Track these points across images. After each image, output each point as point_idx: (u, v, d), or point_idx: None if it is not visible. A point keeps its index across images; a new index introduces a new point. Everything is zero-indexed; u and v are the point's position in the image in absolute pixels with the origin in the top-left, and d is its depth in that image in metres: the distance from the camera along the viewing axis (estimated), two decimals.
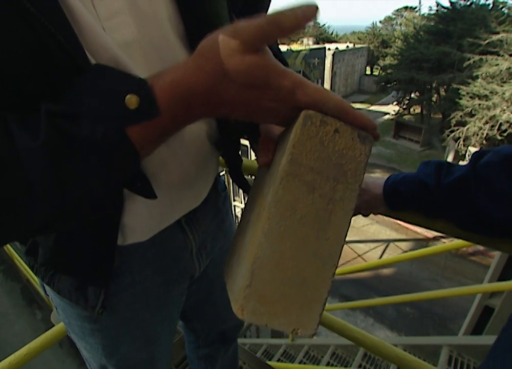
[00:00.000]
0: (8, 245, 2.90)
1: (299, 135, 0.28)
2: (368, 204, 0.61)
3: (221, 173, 0.68)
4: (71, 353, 2.45)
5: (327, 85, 24.22)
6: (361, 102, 25.30)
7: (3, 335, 2.56)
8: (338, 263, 0.29)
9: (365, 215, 0.65)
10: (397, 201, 0.58)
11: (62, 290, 0.48)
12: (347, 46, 27.51)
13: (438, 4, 16.31)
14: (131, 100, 0.26)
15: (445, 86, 15.67)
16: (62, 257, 0.45)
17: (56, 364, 2.36)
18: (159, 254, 0.52)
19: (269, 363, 1.38)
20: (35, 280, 2.61)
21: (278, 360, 2.33)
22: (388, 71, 19.16)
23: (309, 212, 0.28)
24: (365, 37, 30.92)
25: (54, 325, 0.92)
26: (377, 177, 0.62)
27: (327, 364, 2.11)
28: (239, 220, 0.56)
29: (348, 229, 0.29)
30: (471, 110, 12.41)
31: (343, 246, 0.29)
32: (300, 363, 2.22)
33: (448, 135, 13.18)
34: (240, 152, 0.59)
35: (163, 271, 0.54)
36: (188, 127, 0.40)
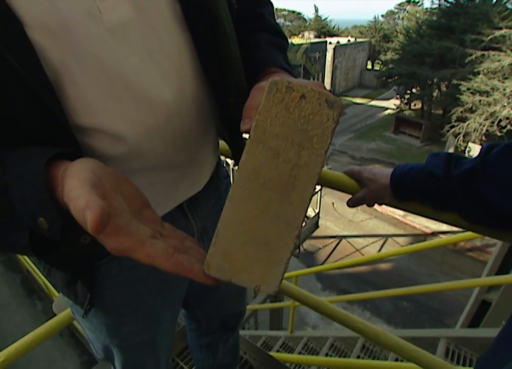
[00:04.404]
0: None
1: (264, 101, 0.29)
2: (375, 194, 0.61)
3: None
4: (71, 343, 2.48)
5: (328, 79, 24.09)
6: (361, 97, 25.19)
7: (4, 325, 2.58)
8: (301, 226, 0.30)
9: (370, 205, 0.65)
10: (404, 191, 0.58)
11: (56, 284, 0.50)
12: (349, 40, 27.28)
13: None
14: (42, 222, 0.27)
15: (446, 82, 15.61)
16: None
17: (57, 354, 2.38)
18: None
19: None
20: (35, 270, 2.62)
21: (277, 352, 2.36)
22: (390, 66, 19.04)
23: (273, 177, 0.29)
24: (367, 31, 30.66)
25: (54, 315, 0.93)
26: (384, 168, 0.62)
27: (326, 356, 2.14)
28: None
29: (312, 193, 0.29)
30: (471, 106, 12.38)
31: (307, 209, 0.30)
32: (299, 354, 2.25)
33: (448, 131, 13.17)
34: (242, 136, 0.58)
35: None
36: (177, 112, 0.40)
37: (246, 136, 0.59)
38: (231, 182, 0.68)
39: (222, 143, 0.61)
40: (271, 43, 0.49)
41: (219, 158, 0.63)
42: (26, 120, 0.32)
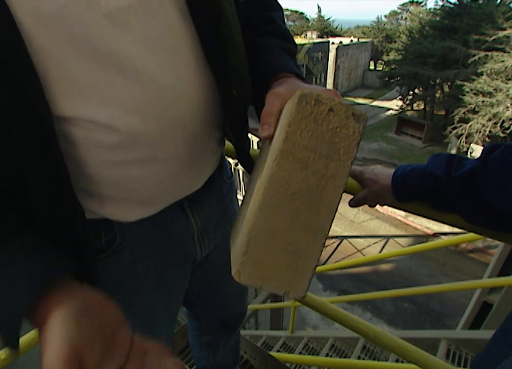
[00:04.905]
0: None
1: (294, 114, 0.29)
2: (376, 195, 0.61)
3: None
4: None
5: (330, 80, 24.05)
6: (364, 97, 25.14)
7: None
8: (328, 234, 0.31)
9: (372, 206, 0.66)
10: (405, 192, 0.58)
11: None
12: (351, 41, 27.25)
13: None
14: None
15: (449, 83, 15.55)
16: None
17: None
18: (160, 235, 0.52)
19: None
20: None
21: (278, 351, 2.36)
22: (392, 66, 19.01)
23: (302, 188, 0.30)
24: (370, 31, 30.59)
25: None
26: (386, 168, 0.62)
27: (326, 356, 2.14)
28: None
29: (339, 203, 0.31)
30: (474, 107, 12.33)
31: (333, 219, 0.31)
32: (299, 354, 2.25)
33: (450, 132, 13.12)
34: (247, 134, 0.58)
35: (163, 252, 0.54)
36: (175, 102, 0.40)
37: (249, 137, 0.59)
38: (235, 182, 0.68)
39: (227, 143, 0.61)
40: (281, 48, 0.49)
41: (224, 157, 0.62)
42: (7, 114, 0.32)
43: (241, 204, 0.43)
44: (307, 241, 0.30)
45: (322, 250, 0.30)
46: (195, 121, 0.44)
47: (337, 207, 0.30)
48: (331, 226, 0.31)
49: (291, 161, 0.29)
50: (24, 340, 0.76)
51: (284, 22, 0.55)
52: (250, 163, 0.57)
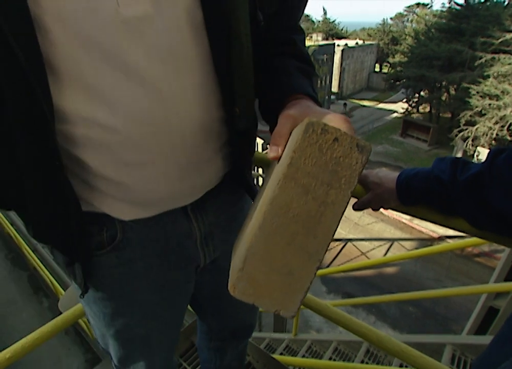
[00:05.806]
0: (16, 234, 2.95)
1: (300, 141, 0.30)
2: (380, 198, 0.61)
3: None
4: (76, 341, 2.50)
5: (335, 82, 24.02)
6: (369, 100, 25.06)
7: (11, 322, 2.61)
8: (323, 259, 0.32)
9: (375, 209, 0.65)
10: (409, 196, 0.57)
11: (59, 264, 0.52)
12: (357, 43, 27.24)
13: (450, 0, 15.99)
14: None
15: (455, 85, 15.45)
16: (38, 231, 0.47)
17: (62, 351, 2.41)
18: (162, 236, 0.53)
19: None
20: (42, 268, 2.65)
21: (281, 354, 2.35)
22: (398, 68, 18.94)
23: (301, 212, 0.31)
24: (375, 33, 30.51)
25: (60, 313, 0.94)
26: (390, 171, 0.61)
27: (330, 359, 2.12)
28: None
29: (336, 229, 0.32)
30: (481, 110, 12.24)
31: (329, 244, 0.32)
32: (302, 357, 2.24)
33: (456, 135, 13.03)
34: (251, 159, 0.58)
35: (164, 254, 0.55)
36: (176, 110, 0.41)
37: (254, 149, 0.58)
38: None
39: None
40: (299, 69, 0.50)
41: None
42: (10, 101, 0.33)
43: (247, 216, 0.44)
44: (302, 263, 0.31)
45: (315, 273, 0.31)
46: (196, 133, 0.44)
47: (334, 233, 0.31)
48: (326, 250, 0.32)
49: (293, 186, 0.30)
50: (27, 340, 0.76)
51: (305, 45, 0.55)
52: (251, 187, 0.58)
